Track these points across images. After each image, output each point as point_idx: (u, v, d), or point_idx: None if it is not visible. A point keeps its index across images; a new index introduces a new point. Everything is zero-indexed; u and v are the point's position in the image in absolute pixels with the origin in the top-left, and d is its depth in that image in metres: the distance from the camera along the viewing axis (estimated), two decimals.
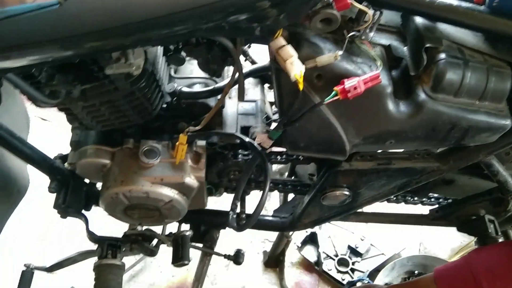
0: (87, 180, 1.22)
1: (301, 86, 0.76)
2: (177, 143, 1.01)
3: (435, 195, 1.45)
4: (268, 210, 1.92)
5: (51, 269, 1.38)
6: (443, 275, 1.16)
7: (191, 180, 1.07)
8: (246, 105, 1.18)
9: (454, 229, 1.39)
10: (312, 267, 2.11)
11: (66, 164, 1.14)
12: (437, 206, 1.43)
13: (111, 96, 0.93)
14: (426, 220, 1.44)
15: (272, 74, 0.88)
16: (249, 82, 1.24)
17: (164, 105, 1.08)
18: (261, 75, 1.25)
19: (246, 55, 1.24)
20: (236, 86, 0.95)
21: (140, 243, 1.24)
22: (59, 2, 0.62)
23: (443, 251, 2.17)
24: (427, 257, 1.91)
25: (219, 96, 1.07)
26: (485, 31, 0.84)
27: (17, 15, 0.62)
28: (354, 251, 2.10)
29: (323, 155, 0.99)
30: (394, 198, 1.38)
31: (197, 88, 1.12)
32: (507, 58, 0.85)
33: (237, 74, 0.87)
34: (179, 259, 1.21)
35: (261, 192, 1.03)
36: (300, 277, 2.11)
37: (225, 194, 1.27)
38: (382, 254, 2.08)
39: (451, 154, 1.06)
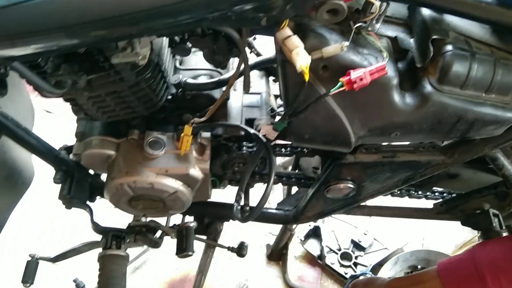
0: (92, 171, 1.23)
1: (306, 77, 0.76)
2: (182, 135, 1.02)
3: (439, 189, 1.44)
4: (271, 204, 1.92)
5: (55, 259, 1.39)
6: (446, 268, 1.15)
7: (195, 171, 1.07)
8: (251, 97, 1.18)
9: (457, 224, 1.39)
10: (315, 261, 2.12)
11: (71, 155, 1.15)
12: (441, 200, 1.43)
13: (116, 86, 0.93)
14: (430, 213, 1.43)
15: (277, 65, 0.88)
16: (254, 75, 1.24)
17: (169, 97, 1.08)
18: (266, 68, 1.25)
19: (251, 47, 1.23)
20: (241, 79, 0.95)
21: (144, 234, 1.25)
22: None
23: (447, 246, 2.16)
24: (430, 252, 1.91)
25: (224, 88, 1.07)
26: (493, 23, 0.83)
27: (23, 2, 0.62)
28: (357, 245, 2.11)
29: (328, 147, 0.99)
30: (398, 192, 1.39)
31: (202, 79, 1.12)
32: None
33: (242, 65, 0.87)
34: (183, 250, 1.21)
35: (265, 185, 1.03)
36: (303, 270, 2.12)
37: (228, 187, 1.27)
38: (385, 248, 2.09)
39: (457, 147, 1.05)
